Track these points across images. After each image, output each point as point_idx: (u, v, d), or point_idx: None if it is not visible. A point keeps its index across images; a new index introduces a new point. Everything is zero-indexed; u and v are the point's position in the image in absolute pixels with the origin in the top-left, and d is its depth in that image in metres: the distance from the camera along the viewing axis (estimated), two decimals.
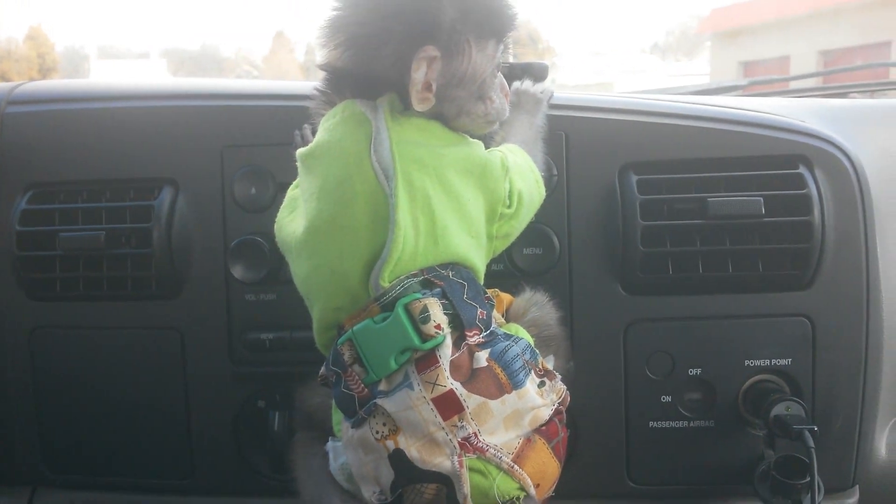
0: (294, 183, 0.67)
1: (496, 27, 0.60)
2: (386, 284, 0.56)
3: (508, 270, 0.81)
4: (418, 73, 0.56)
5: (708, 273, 0.78)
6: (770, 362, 0.79)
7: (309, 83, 0.92)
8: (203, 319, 0.84)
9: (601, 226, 0.81)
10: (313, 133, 0.71)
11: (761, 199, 0.77)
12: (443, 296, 0.57)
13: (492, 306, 0.61)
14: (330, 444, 0.61)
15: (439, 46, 0.57)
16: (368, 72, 0.58)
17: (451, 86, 0.59)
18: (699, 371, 0.80)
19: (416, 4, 0.57)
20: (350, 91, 0.60)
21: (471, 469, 0.54)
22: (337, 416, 0.60)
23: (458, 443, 0.54)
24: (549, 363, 0.64)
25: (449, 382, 0.54)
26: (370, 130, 0.57)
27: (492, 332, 0.58)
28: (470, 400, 0.55)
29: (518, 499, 0.56)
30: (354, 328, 0.57)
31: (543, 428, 0.58)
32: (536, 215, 0.71)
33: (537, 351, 0.61)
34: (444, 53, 0.57)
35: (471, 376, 0.55)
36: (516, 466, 0.56)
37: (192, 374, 0.85)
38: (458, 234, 0.59)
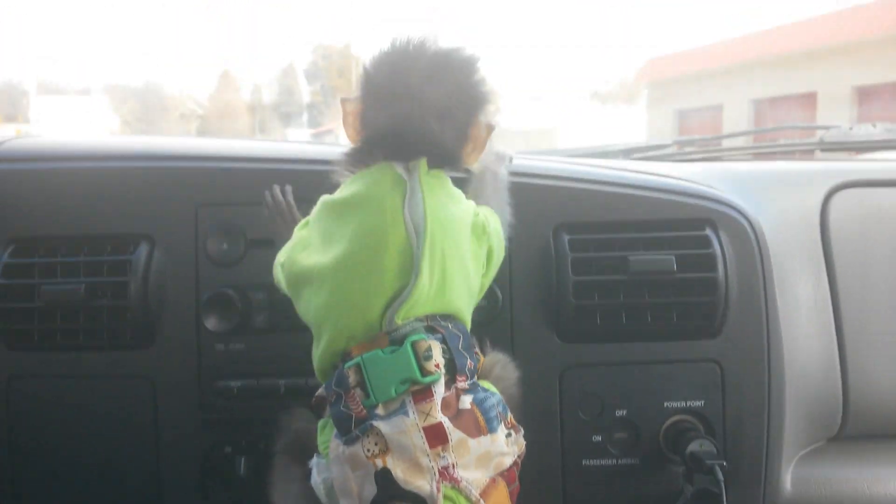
0: (302, 223, 0.75)
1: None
2: (399, 322, 0.65)
3: None
4: (479, 147, 0.72)
5: (630, 323, 0.88)
6: (686, 403, 0.89)
7: (277, 146, 1.01)
8: (174, 368, 0.90)
9: (538, 280, 0.90)
10: (282, 194, 0.84)
11: (673, 257, 0.87)
12: (443, 341, 0.66)
13: (478, 360, 0.70)
14: (314, 461, 0.68)
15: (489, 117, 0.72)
16: (419, 137, 0.68)
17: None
18: (625, 412, 0.89)
19: (472, 91, 0.71)
20: (382, 155, 0.69)
21: (444, 496, 0.62)
22: (323, 437, 0.67)
23: (439, 470, 0.62)
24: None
25: (439, 416, 0.63)
26: (405, 190, 0.67)
27: (475, 382, 0.67)
28: (454, 434, 0.63)
29: None
30: (364, 355, 0.65)
31: (505, 473, 0.66)
32: None
33: (507, 406, 0.69)
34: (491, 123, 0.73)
35: (456, 414, 0.64)
36: (482, 501, 0.63)
37: (162, 421, 0.90)
38: (460, 290, 0.69)
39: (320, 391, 0.68)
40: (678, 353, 0.90)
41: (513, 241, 0.90)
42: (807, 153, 1.70)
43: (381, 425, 0.62)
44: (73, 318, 0.89)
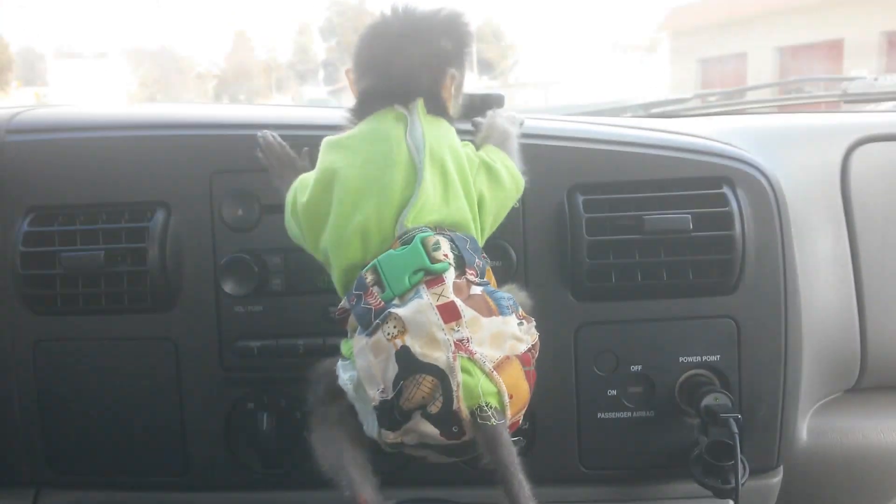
0: (308, 174, 0.78)
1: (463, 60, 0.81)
2: (409, 225, 0.70)
3: None
4: (450, 91, 0.78)
5: (646, 281, 0.88)
6: (701, 358, 0.89)
7: (290, 111, 1.01)
8: (195, 330, 0.92)
9: (553, 241, 0.90)
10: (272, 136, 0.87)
11: (689, 216, 0.86)
12: (451, 241, 0.70)
13: (487, 263, 0.74)
14: (339, 363, 0.71)
15: (456, 70, 0.79)
16: (405, 88, 0.76)
17: (455, 97, 0.80)
18: (640, 367, 0.90)
19: (437, 46, 0.77)
20: (381, 105, 0.76)
21: (461, 367, 0.64)
22: (346, 346, 0.71)
23: (454, 342, 0.64)
24: None
25: (451, 296, 0.66)
26: (406, 123, 0.75)
27: (485, 281, 0.71)
28: (466, 311, 0.66)
29: (492, 406, 0.65)
30: (379, 257, 0.70)
31: (520, 356, 0.68)
32: (497, 231, 0.81)
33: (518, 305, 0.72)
34: (457, 74, 0.79)
35: (468, 297, 0.68)
36: (496, 373, 0.65)
37: (185, 380, 0.93)
38: (464, 203, 0.74)
39: (342, 303, 0.72)
40: (694, 309, 0.89)
41: (527, 202, 0.91)
42: (832, 105, 1.67)
43: (398, 311, 0.66)
44: (94, 283, 0.91)
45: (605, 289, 0.89)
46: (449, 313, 0.65)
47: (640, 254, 0.88)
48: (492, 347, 0.66)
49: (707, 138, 0.97)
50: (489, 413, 0.65)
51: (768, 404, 0.91)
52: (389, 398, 0.65)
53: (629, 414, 0.91)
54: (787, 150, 1.04)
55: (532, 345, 0.70)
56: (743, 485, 0.82)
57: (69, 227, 0.92)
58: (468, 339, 0.65)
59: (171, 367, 0.92)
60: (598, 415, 0.91)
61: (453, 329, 0.65)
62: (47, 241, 0.92)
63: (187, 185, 0.92)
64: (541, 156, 0.90)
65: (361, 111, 0.78)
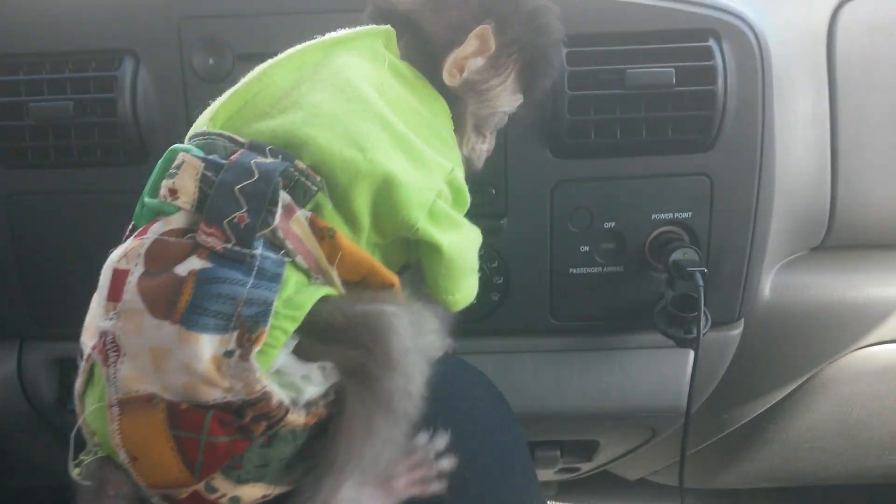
0: None
1: (532, 80, 0.60)
2: (213, 127, 0.47)
3: None
4: (466, 48, 0.54)
5: (625, 138, 0.87)
6: (673, 215, 0.91)
7: None
8: None
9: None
10: None
11: (673, 69, 0.85)
12: (214, 167, 0.43)
13: (269, 223, 0.44)
14: None
15: (496, 43, 0.54)
16: (410, 19, 0.56)
17: (473, 91, 0.57)
18: (613, 224, 0.91)
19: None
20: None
21: (87, 372, 0.44)
22: None
23: (101, 332, 0.43)
24: (303, 369, 0.46)
25: (135, 262, 0.43)
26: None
27: (246, 253, 0.42)
28: (129, 296, 0.42)
29: (96, 444, 0.43)
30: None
31: (185, 408, 0.41)
32: None
33: (283, 327, 0.43)
34: (492, 57, 0.55)
35: (159, 274, 0.42)
36: (116, 409, 0.41)
37: None
38: (338, 131, 0.47)
39: None
40: (669, 166, 0.90)
41: None
42: None
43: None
44: (65, 135, 0.89)
45: (584, 146, 0.89)
46: (116, 287, 0.43)
47: (621, 109, 0.87)
48: (155, 369, 0.41)
49: None
50: (87, 452, 0.44)
51: (734, 260, 0.93)
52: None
53: (600, 269, 0.93)
54: (776, 2, 1.01)
55: (247, 397, 0.41)
56: (704, 335, 0.86)
57: (36, 77, 0.89)
58: (114, 336, 0.42)
59: None
60: (570, 269, 0.93)
61: (108, 313, 0.43)
62: (14, 90, 0.89)
63: (154, 32, 0.88)
64: None
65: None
